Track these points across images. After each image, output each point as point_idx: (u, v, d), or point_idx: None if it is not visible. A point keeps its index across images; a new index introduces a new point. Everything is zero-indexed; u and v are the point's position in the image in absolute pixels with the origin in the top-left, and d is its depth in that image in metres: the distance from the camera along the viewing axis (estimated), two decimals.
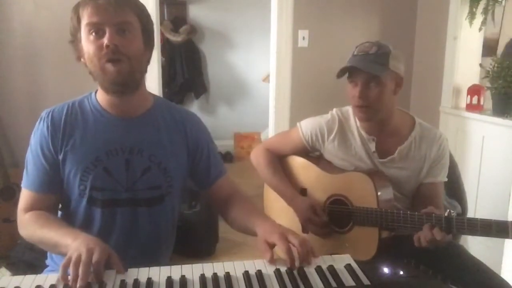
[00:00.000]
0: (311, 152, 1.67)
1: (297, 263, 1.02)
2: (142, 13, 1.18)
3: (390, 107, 1.48)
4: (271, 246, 1.07)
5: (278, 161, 1.68)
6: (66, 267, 0.94)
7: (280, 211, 1.68)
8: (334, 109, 1.61)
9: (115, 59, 1.10)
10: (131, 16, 1.14)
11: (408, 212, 1.36)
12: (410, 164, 1.51)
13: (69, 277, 0.93)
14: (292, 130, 1.68)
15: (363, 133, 1.53)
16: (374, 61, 1.41)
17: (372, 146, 1.52)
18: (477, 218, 1.22)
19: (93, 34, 1.11)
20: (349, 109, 1.59)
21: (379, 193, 1.44)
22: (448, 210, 1.27)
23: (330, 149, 1.58)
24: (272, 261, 1.04)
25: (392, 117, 1.51)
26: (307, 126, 1.61)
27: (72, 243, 1.01)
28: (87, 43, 1.12)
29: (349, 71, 1.46)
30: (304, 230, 1.63)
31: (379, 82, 1.42)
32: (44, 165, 1.19)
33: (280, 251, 1.06)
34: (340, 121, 1.57)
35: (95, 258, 0.95)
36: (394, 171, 1.52)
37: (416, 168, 1.51)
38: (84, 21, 1.11)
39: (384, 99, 1.44)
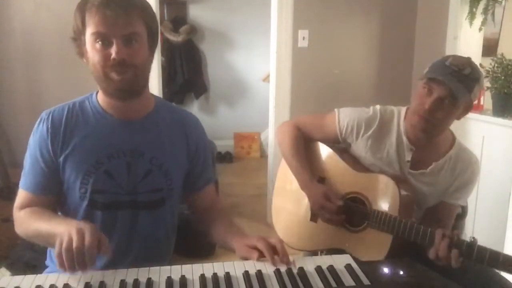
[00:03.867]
0: (340, 143, 1.59)
1: (278, 261, 1.04)
2: (149, 17, 1.15)
3: (445, 126, 1.43)
4: (253, 249, 1.09)
5: (304, 142, 1.63)
6: (61, 255, 0.93)
7: (289, 194, 1.66)
8: (378, 106, 1.54)
9: (120, 70, 1.10)
10: (139, 25, 1.12)
11: (429, 228, 1.30)
12: (438, 182, 1.47)
13: (65, 265, 0.92)
14: (328, 115, 1.59)
15: (404, 139, 1.47)
16: (463, 84, 1.32)
17: (408, 156, 1.47)
18: (500, 252, 1.17)
19: (99, 42, 1.09)
20: (394, 110, 1.52)
21: (402, 203, 1.40)
22: (472, 237, 1.23)
23: (361, 146, 1.52)
24: (259, 258, 1.06)
25: (441, 134, 1.45)
26: (346, 115, 1.54)
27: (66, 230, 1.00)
28: (92, 50, 1.10)
29: (432, 80, 1.35)
30: (313, 217, 1.59)
31: (455, 104, 1.34)
32: (43, 168, 1.18)
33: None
34: (381, 120, 1.50)
35: (87, 241, 0.93)
36: (420, 185, 1.47)
37: (444, 186, 1.47)
38: (90, 29, 1.08)
39: (449, 121, 1.40)
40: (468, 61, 1.38)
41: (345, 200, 1.52)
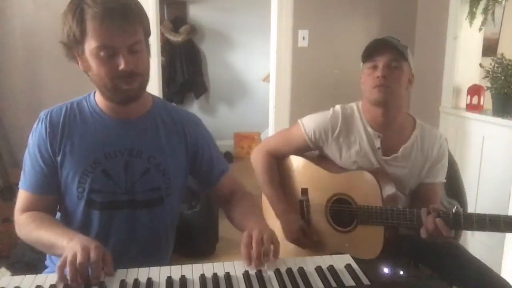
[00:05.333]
0: (312, 150, 1.64)
1: (253, 262, 1.02)
2: (146, 21, 1.14)
3: (402, 99, 1.51)
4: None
5: (277, 167, 1.66)
6: (62, 268, 0.94)
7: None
8: (337, 106, 1.60)
9: (129, 80, 1.10)
10: (140, 33, 1.11)
11: (415, 210, 1.36)
12: (412, 163, 1.52)
13: (68, 277, 0.93)
14: (293, 128, 1.65)
15: (369, 128, 1.53)
16: (398, 45, 1.47)
17: (377, 142, 1.52)
18: (486, 214, 1.22)
19: (104, 54, 1.07)
20: (353, 105, 1.59)
21: (383, 192, 1.44)
22: (455, 207, 1.28)
23: (334, 146, 1.57)
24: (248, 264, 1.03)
25: (400, 114, 1.53)
26: (310, 125, 1.59)
27: (68, 244, 1.00)
28: (96, 61, 1.08)
29: (372, 52, 1.48)
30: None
31: (400, 66, 1.46)
32: (42, 167, 1.19)
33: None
34: (344, 117, 1.56)
35: (92, 257, 0.94)
36: (396, 170, 1.52)
37: (418, 167, 1.52)
38: (95, 42, 1.06)
39: (401, 85, 1.47)
40: (391, 36, 1.53)
41: (331, 204, 1.54)
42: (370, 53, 1.48)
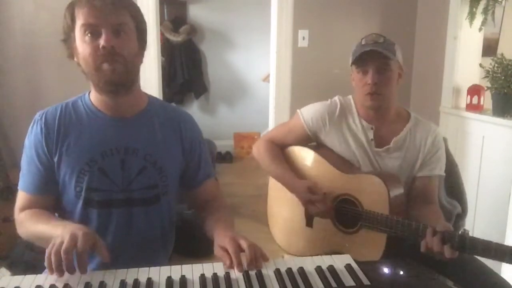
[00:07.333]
0: (312, 140, 1.65)
1: (245, 266, 1.02)
2: (136, 13, 1.18)
3: (394, 96, 1.53)
4: (225, 250, 1.06)
5: (279, 149, 1.67)
6: (49, 257, 0.94)
7: (283, 202, 1.67)
8: (335, 96, 1.63)
9: (110, 59, 1.11)
10: (127, 17, 1.14)
11: (421, 224, 1.32)
12: (404, 155, 1.53)
13: (52, 266, 0.92)
14: (293, 118, 1.68)
15: (363, 121, 1.56)
16: (384, 47, 1.46)
17: (371, 134, 1.54)
18: (492, 242, 1.17)
19: (89, 35, 1.10)
20: (350, 98, 1.62)
21: (392, 201, 1.41)
22: (463, 229, 1.23)
23: (331, 133, 1.58)
24: (230, 266, 1.03)
25: (392, 108, 1.55)
26: (309, 113, 1.62)
27: (61, 233, 1.00)
28: (82, 44, 1.12)
29: (360, 59, 1.48)
30: (308, 223, 1.61)
31: (390, 68, 1.47)
32: (39, 168, 1.19)
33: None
34: (341, 106, 1.59)
35: (79, 244, 0.94)
36: (388, 162, 1.53)
37: (411, 159, 1.53)
38: (80, 22, 1.11)
39: (392, 85, 1.50)
40: (376, 35, 1.52)
41: (337, 202, 1.53)
42: (358, 54, 1.48)
